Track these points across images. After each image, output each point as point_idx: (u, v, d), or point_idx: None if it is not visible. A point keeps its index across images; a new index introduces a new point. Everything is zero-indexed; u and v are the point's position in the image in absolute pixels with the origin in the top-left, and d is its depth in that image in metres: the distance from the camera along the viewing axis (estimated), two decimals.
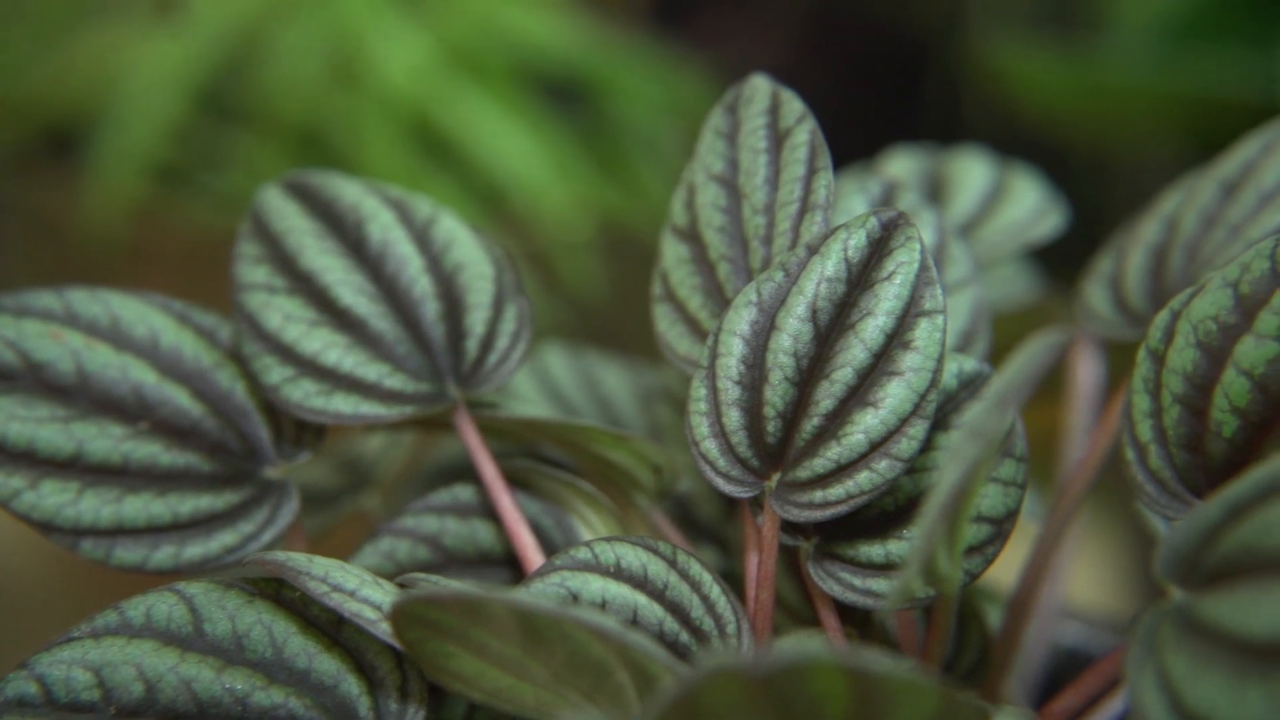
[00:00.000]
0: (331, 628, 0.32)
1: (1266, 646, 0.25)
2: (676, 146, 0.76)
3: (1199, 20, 0.62)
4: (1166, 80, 0.61)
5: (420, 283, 0.38)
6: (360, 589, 0.31)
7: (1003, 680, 0.37)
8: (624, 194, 0.75)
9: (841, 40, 0.98)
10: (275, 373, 0.36)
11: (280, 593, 0.32)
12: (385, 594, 0.32)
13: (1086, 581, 0.61)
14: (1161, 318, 0.32)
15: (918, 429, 0.32)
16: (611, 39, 0.78)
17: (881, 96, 0.96)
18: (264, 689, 0.31)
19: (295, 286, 0.38)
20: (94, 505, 0.34)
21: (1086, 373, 0.41)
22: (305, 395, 0.36)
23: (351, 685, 0.32)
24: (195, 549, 0.34)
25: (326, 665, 0.31)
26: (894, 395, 0.32)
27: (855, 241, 0.33)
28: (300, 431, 0.37)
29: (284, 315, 0.37)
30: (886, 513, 0.34)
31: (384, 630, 0.31)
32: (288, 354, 0.36)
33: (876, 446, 0.32)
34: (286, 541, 0.37)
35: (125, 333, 0.37)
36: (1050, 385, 0.40)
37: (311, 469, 0.42)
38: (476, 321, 0.38)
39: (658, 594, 0.33)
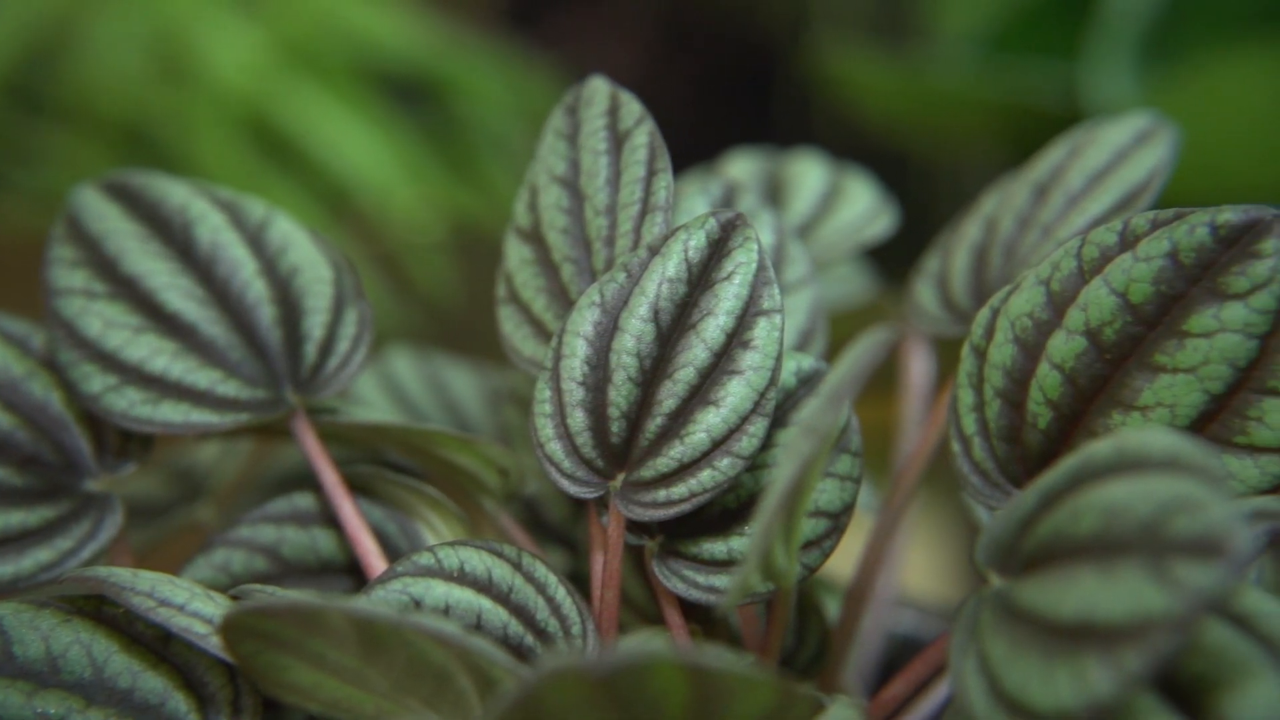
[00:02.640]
0: (158, 644, 0.31)
1: (1074, 629, 0.27)
2: (527, 147, 0.76)
3: (1011, 32, 0.66)
4: (982, 88, 0.64)
5: (254, 287, 0.37)
6: (190, 603, 0.30)
7: (840, 670, 0.38)
8: (475, 195, 0.75)
9: (694, 45, 1.00)
10: (96, 381, 0.35)
11: (101, 610, 0.31)
12: (218, 607, 0.31)
13: (923, 570, 0.64)
14: (983, 315, 0.34)
15: (758, 426, 0.33)
16: (460, 39, 0.77)
17: (733, 101, 0.98)
18: (81, 712, 0.29)
19: (117, 291, 0.36)
20: None
21: (917, 368, 0.43)
22: (130, 404, 0.35)
23: (179, 703, 0.30)
24: (5, 568, 0.32)
25: (152, 683, 0.30)
26: (735, 394, 0.33)
27: (695, 242, 0.34)
28: (125, 442, 0.36)
29: (105, 321, 0.35)
30: (729, 510, 0.35)
31: (215, 644, 0.30)
32: (109, 362, 0.35)
33: (718, 444, 0.33)
34: (111, 557, 0.35)
35: None
36: (884, 381, 0.41)
37: (139, 481, 0.41)
38: (315, 325, 0.37)
39: (502, 597, 0.33)
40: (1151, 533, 0.27)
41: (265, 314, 0.37)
